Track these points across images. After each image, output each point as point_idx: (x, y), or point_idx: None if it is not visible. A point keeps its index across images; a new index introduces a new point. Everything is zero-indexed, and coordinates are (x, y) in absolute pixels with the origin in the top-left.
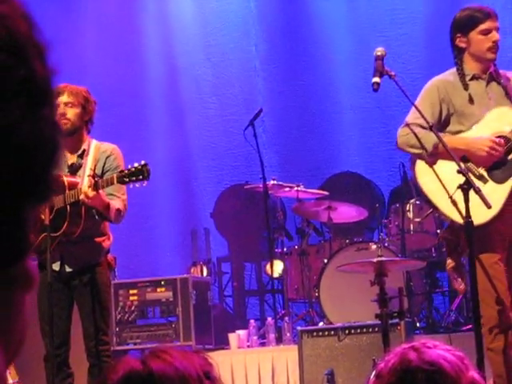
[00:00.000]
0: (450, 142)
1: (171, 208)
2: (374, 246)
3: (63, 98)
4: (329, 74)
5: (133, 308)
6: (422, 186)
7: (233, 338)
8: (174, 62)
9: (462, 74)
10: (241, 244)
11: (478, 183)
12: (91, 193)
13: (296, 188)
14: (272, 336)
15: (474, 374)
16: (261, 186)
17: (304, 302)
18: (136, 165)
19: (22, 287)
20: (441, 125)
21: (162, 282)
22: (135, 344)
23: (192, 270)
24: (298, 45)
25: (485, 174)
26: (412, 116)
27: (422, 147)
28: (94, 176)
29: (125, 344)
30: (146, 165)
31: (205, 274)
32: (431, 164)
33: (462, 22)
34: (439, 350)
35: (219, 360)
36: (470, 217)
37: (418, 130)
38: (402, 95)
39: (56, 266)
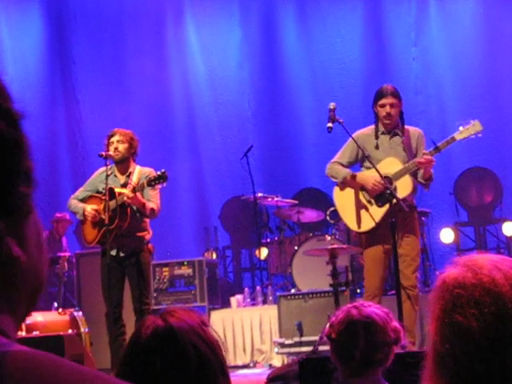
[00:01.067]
0: (355, 177)
1: (191, 212)
2: (328, 238)
3: (116, 138)
4: (299, 120)
5: (165, 280)
6: (335, 204)
7: (233, 300)
8: (192, 112)
9: (376, 130)
10: (238, 237)
11: (368, 205)
12: (131, 194)
13: (276, 198)
14: (260, 299)
15: (395, 323)
16: (252, 197)
17: (282, 275)
18: (158, 172)
19: (12, 265)
20: (358, 162)
21: (185, 263)
22: (167, 305)
23: (205, 254)
24: (277, 100)
25: (372, 200)
26: (337, 156)
27: (337, 178)
28: (133, 185)
29: (160, 304)
30: (164, 172)
31: (214, 257)
32: (342, 189)
33: (375, 96)
34: (372, 307)
35: (224, 315)
36: (393, 218)
37: (336, 166)
38: (346, 134)
39: (113, 252)
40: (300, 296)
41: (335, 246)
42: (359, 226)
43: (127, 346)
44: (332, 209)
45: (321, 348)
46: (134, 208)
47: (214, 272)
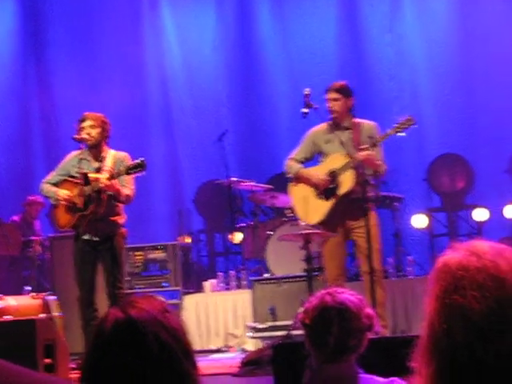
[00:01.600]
0: (302, 173)
1: (165, 195)
2: (302, 223)
3: (88, 122)
4: (274, 105)
5: (139, 264)
6: (290, 197)
7: (207, 284)
8: (167, 94)
9: (329, 125)
10: (212, 221)
11: (316, 199)
12: (107, 182)
13: (250, 183)
14: (233, 283)
15: (368, 310)
16: (226, 181)
17: (256, 260)
18: (137, 161)
19: None
20: (314, 157)
21: (159, 246)
22: (140, 288)
23: (179, 238)
24: (251, 85)
25: (321, 194)
26: (293, 152)
27: (290, 173)
28: (110, 171)
29: (133, 289)
30: (143, 160)
31: (188, 241)
32: (295, 185)
33: None
34: (346, 294)
35: (198, 299)
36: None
37: (291, 162)
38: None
39: (86, 237)
40: (274, 281)
41: (309, 231)
42: (310, 220)
43: (91, 340)
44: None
45: (294, 332)
46: (110, 194)
47: (188, 256)
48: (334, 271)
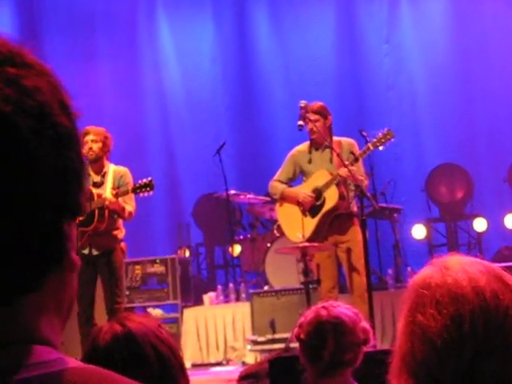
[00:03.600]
0: (288, 193)
1: (164, 209)
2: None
3: (90, 137)
4: (272, 117)
5: (138, 278)
6: (278, 217)
7: (206, 297)
8: (165, 108)
9: (310, 145)
10: (211, 234)
11: (302, 217)
12: (113, 199)
13: (248, 195)
14: (233, 296)
15: (364, 324)
16: (224, 194)
17: (255, 273)
18: (145, 180)
19: (70, 270)
20: (297, 177)
21: (158, 260)
22: (140, 302)
23: (178, 252)
24: (250, 97)
25: (306, 212)
26: (277, 174)
27: (275, 195)
28: (115, 189)
29: (132, 302)
30: (151, 180)
31: (187, 254)
32: (281, 205)
33: None
34: (341, 308)
35: (197, 313)
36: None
37: (275, 184)
38: None
39: (86, 251)
40: (273, 293)
41: (306, 244)
42: (297, 237)
43: (84, 355)
44: (277, 223)
45: (293, 345)
46: (113, 212)
47: (187, 269)
48: (327, 283)
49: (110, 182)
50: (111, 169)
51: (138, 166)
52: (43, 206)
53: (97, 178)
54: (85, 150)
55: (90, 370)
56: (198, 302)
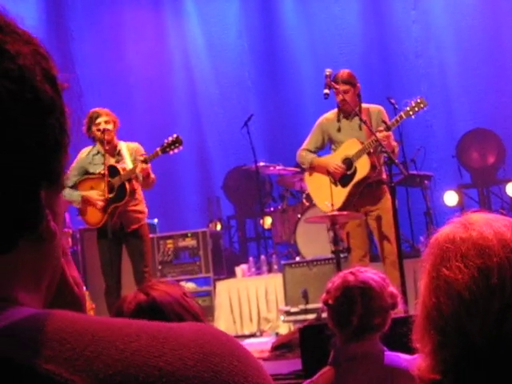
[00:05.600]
0: (317, 162)
1: (194, 183)
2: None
3: (103, 118)
4: (299, 88)
5: (169, 252)
6: (307, 187)
7: (238, 270)
8: (193, 85)
9: (338, 113)
10: (242, 206)
11: (333, 186)
12: (145, 165)
13: (278, 167)
14: (265, 268)
15: (392, 289)
16: (253, 166)
17: (286, 244)
18: (170, 138)
19: (48, 241)
20: (325, 146)
21: (189, 234)
22: (172, 276)
23: (210, 225)
24: (276, 69)
25: (337, 182)
26: (305, 143)
27: (304, 164)
28: (145, 156)
29: (165, 277)
30: (178, 136)
31: (219, 228)
32: (310, 174)
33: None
34: (369, 273)
35: (229, 285)
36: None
37: (303, 153)
38: None
39: (114, 228)
40: (304, 264)
41: (335, 212)
42: (327, 206)
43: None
44: (306, 193)
45: (324, 315)
46: (139, 179)
47: (219, 243)
48: (358, 252)
49: (127, 156)
50: (123, 145)
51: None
52: (17, 169)
53: (113, 158)
54: (98, 131)
55: (72, 314)
56: (231, 274)
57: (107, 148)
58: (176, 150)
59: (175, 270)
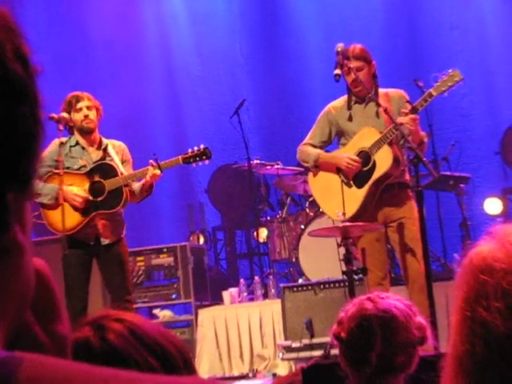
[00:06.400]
0: (325, 158)
1: (171, 187)
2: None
3: (85, 103)
4: (302, 66)
5: (140, 272)
6: (311, 191)
7: (226, 295)
8: (170, 60)
9: (349, 99)
10: (231, 215)
11: (346, 188)
12: (158, 172)
13: (276, 166)
14: (259, 292)
15: (420, 319)
16: (246, 165)
17: (286, 262)
18: (198, 148)
19: (14, 255)
20: (333, 139)
21: (165, 250)
22: (143, 302)
23: (190, 239)
24: (276, 42)
25: (350, 181)
26: (308, 136)
27: (308, 162)
28: (160, 164)
29: (135, 303)
30: (206, 148)
31: (201, 241)
32: (315, 174)
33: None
34: (391, 299)
35: (215, 314)
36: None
37: (306, 148)
38: None
39: (92, 241)
40: (309, 287)
41: (347, 223)
42: (337, 216)
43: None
44: (311, 199)
45: (334, 351)
46: (133, 189)
47: (202, 260)
48: (376, 273)
49: (115, 155)
50: (109, 144)
51: (140, 135)
52: None
53: (96, 153)
54: (78, 117)
55: (44, 360)
56: (217, 300)
57: (86, 139)
58: (200, 163)
59: (147, 293)
